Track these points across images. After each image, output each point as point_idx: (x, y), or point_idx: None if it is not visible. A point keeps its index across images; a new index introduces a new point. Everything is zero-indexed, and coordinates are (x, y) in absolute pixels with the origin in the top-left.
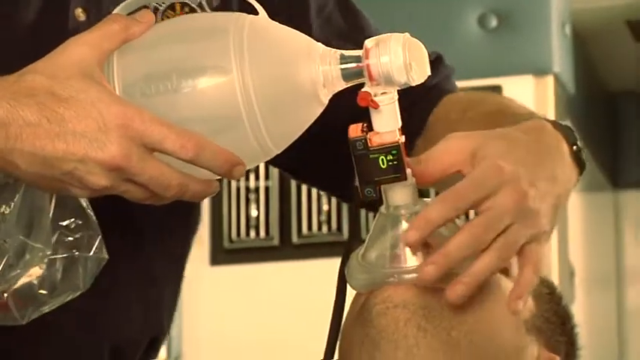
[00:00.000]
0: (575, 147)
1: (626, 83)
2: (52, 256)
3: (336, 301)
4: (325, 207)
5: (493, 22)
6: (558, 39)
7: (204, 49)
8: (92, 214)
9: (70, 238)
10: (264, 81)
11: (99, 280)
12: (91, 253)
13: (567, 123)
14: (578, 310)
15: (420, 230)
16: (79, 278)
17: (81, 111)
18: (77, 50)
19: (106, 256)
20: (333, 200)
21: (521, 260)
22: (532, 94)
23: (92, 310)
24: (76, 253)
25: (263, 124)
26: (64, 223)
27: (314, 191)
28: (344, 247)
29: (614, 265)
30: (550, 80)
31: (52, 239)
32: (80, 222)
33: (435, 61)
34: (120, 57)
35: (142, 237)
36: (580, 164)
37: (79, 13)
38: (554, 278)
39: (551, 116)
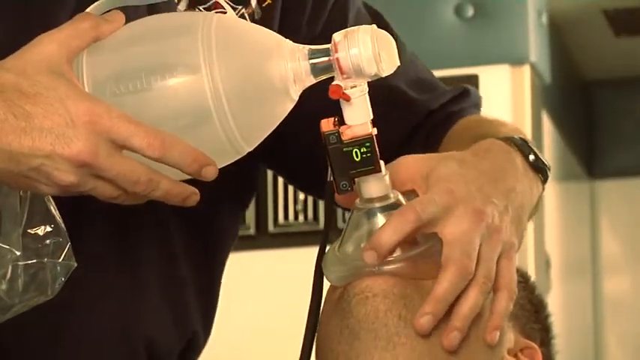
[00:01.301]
0: (531, 157)
1: (603, 73)
2: (21, 262)
3: (312, 295)
4: (301, 196)
5: (469, 12)
6: (535, 28)
7: (173, 46)
8: (61, 221)
9: (39, 245)
10: (233, 77)
11: (121, 283)
12: (60, 259)
13: (543, 112)
14: (555, 299)
15: (377, 252)
16: (47, 285)
17: (48, 107)
18: (46, 48)
19: (75, 264)
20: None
21: (495, 285)
22: (508, 83)
23: (120, 313)
24: (45, 260)
25: (233, 121)
26: (33, 230)
27: None
28: (320, 241)
29: (590, 255)
30: (526, 70)
31: (20, 243)
32: (49, 229)
33: (462, 94)
34: (89, 56)
35: (168, 238)
36: (542, 172)
37: None
38: (530, 267)
39: (528, 106)
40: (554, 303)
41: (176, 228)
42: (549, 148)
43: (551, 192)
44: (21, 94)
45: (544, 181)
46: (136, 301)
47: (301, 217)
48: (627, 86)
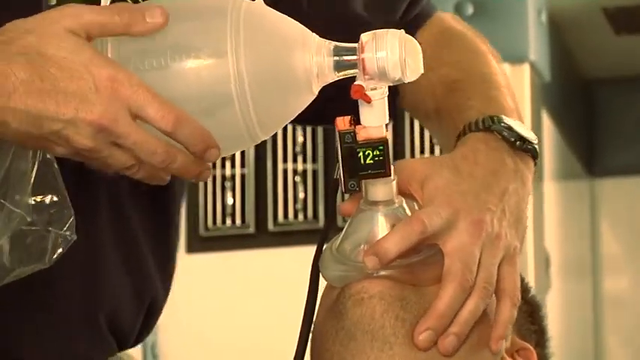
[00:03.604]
0: (518, 143)
1: (603, 71)
2: (25, 228)
3: (308, 293)
4: (301, 195)
5: (469, 10)
6: (534, 27)
7: (201, 28)
8: (66, 193)
9: (44, 213)
10: (258, 65)
11: (81, 248)
12: (63, 230)
13: (543, 111)
14: (554, 298)
15: (380, 258)
16: (46, 253)
17: (73, 71)
18: (68, 16)
19: (75, 237)
20: (310, 188)
21: (498, 292)
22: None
23: (80, 280)
24: (50, 228)
25: (253, 109)
26: (40, 198)
27: (290, 179)
28: (318, 239)
29: (590, 253)
30: (526, 68)
31: (30, 209)
32: (56, 199)
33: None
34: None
35: (119, 198)
36: (530, 150)
37: None
38: (530, 266)
39: (527, 104)
40: (554, 302)
41: (127, 192)
42: (549, 147)
43: (551, 190)
44: (46, 57)
45: (535, 156)
46: (95, 268)
47: (301, 216)
48: (627, 84)
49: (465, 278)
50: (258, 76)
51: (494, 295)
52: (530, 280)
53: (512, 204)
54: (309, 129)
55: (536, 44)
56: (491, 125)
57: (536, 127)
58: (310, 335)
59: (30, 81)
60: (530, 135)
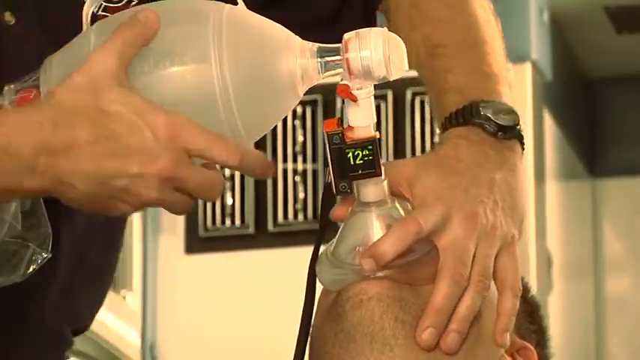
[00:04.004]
0: (499, 134)
1: (605, 70)
2: (8, 239)
3: (306, 299)
4: (301, 195)
5: None
6: (536, 26)
7: (184, 33)
8: (45, 213)
9: (23, 227)
10: (242, 70)
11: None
12: (40, 246)
13: (545, 110)
14: (556, 299)
15: (376, 260)
16: (21, 267)
17: (132, 124)
18: (108, 61)
19: (50, 255)
20: (310, 188)
21: (498, 284)
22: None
23: (57, 295)
24: (29, 243)
25: (238, 113)
26: (22, 209)
27: (290, 179)
28: (314, 243)
29: (592, 253)
30: (528, 67)
31: (19, 219)
32: (34, 216)
33: None
34: (98, 36)
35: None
36: (515, 138)
37: (8, 17)
38: (532, 266)
39: (529, 103)
40: (556, 302)
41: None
42: (551, 146)
43: (553, 190)
44: (103, 113)
45: (522, 141)
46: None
47: (301, 216)
48: (629, 83)
49: (458, 272)
50: (242, 81)
51: (495, 287)
52: (532, 281)
53: (504, 193)
54: (309, 128)
55: (538, 43)
56: (471, 119)
57: (538, 127)
58: (309, 339)
59: (95, 141)
60: (509, 120)
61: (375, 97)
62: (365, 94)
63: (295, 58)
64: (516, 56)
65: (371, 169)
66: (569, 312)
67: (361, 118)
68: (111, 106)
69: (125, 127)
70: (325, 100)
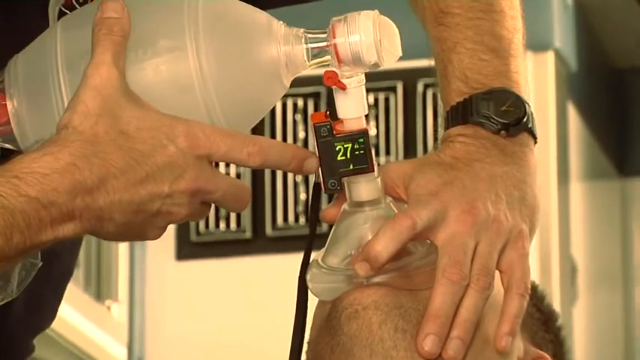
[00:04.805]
0: (501, 132)
1: (634, 59)
2: None
3: (297, 313)
4: (302, 196)
5: None
6: (559, 11)
7: (157, 21)
8: None
9: None
10: (221, 58)
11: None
12: (30, 259)
13: (569, 104)
14: (581, 311)
15: (371, 263)
16: (14, 284)
17: (154, 141)
18: (109, 76)
19: (41, 262)
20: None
21: (503, 282)
22: (531, 71)
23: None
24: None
25: (218, 105)
26: None
27: (290, 179)
28: (304, 250)
29: (621, 261)
30: (550, 56)
31: None
32: None
33: None
34: (64, 31)
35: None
36: (526, 131)
37: None
38: (555, 276)
39: (552, 96)
40: (581, 314)
41: None
42: (575, 143)
43: (579, 192)
44: (125, 135)
45: (532, 133)
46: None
47: (302, 219)
48: None
49: (455, 271)
50: (221, 70)
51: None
52: (556, 291)
53: (509, 186)
54: (310, 124)
55: (561, 30)
56: (470, 118)
57: (561, 122)
58: (305, 355)
59: (128, 167)
60: (513, 114)
61: (384, 89)
62: (355, 82)
63: (279, 45)
64: (537, 44)
65: (363, 165)
66: (596, 325)
67: (351, 109)
68: (130, 126)
69: (149, 146)
70: (329, 92)
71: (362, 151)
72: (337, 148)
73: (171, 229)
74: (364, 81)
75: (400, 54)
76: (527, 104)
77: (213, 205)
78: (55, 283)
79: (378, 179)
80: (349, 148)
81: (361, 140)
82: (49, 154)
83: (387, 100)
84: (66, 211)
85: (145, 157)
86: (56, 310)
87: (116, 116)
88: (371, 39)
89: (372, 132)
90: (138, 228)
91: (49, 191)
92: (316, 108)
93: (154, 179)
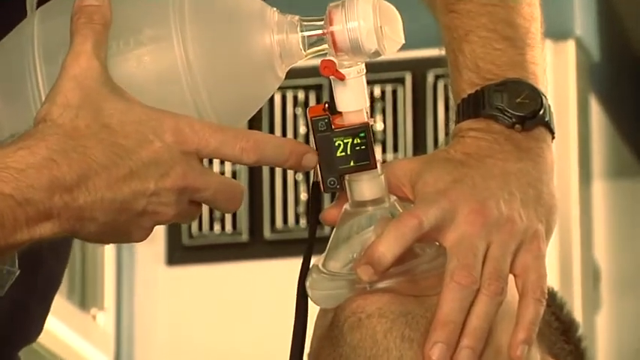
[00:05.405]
0: (516, 126)
1: None
2: None
3: (296, 322)
4: (303, 196)
5: None
6: None
7: (140, 7)
8: None
9: None
10: (209, 48)
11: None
12: (7, 265)
13: (591, 95)
14: (605, 319)
15: (374, 266)
16: None
17: (139, 135)
18: (90, 66)
19: (17, 270)
20: (310, 189)
21: (519, 286)
22: (549, 61)
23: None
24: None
25: (207, 98)
26: None
27: (290, 178)
28: (304, 255)
29: None
30: (571, 45)
31: None
32: None
33: None
34: (41, 22)
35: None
36: (543, 125)
37: None
38: (576, 281)
39: (572, 88)
40: (604, 322)
41: None
42: (598, 139)
43: (601, 191)
44: (107, 129)
45: (550, 127)
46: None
47: (303, 221)
48: None
49: (464, 275)
50: (209, 61)
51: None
52: (577, 298)
53: (524, 184)
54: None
55: (582, 17)
56: (481, 111)
57: (583, 115)
58: None
59: (111, 163)
60: (529, 107)
61: (391, 80)
62: (355, 72)
63: (272, 34)
64: (557, 32)
65: (364, 161)
66: (621, 333)
67: (351, 101)
68: (113, 119)
69: (133, 141)
70: (332, 85)
71: (363, 147)
72: (336, 144)
73: (161, 231)
74: (364, 71)
75: (403, 41)
76: (545, 97)
77: (207, 207)
78: (42, 293)
79: (382, 177)
80: (349, 144)
81: (362, 135)
82: (24, 147)
83: (394, 92)
84: (43, 209)
85: (129, 153)
86: (43, 322)
87: (98, 109)
88: (371, 25)
89: (379, 127)
90: (122, 228)
91: (24, 188)
92: (318, 101)
93: (139, 176)
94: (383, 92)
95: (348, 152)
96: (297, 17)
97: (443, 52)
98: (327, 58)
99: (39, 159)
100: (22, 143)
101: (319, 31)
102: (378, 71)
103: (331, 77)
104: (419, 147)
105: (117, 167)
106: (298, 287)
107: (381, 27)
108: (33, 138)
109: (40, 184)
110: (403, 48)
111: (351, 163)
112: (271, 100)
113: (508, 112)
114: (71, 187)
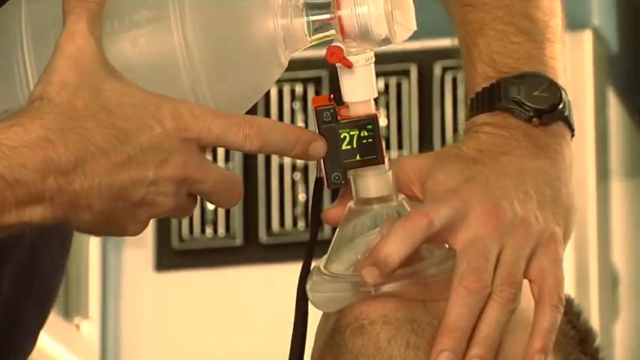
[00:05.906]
0: (533, 120)
1: None
2: None
3: (295, 327)
4: (301, 197)
5: None
6: None
7: None
8: None
9: None
10: (208, 32)
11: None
12: None
13: (609, 88)
14: (624, 327)
15: (380, 268)
16: None
17: (138, 119)
18: (87, 46)
19: None
20: (311, 189)
21: (535, 292)
22: (567, 52)
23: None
24: None
25: (206, 84)
26: None
27: (287, 178)
28: (305, 256)
29: None
30: (588, 36)
31: None
32: None
33: None
34: (29, 3)
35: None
36: (562, 120)
37: None
38: (593, 287)
39: (590, 81)
40: (623, 329)
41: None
42: (617, 135)
43: (620, 191)
44: (106, 110)
45: (569, 123)
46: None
47: (301, 224)
48: None
49: (473, 279)
50: (209, 45)
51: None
52: (594, 305)
53: (540, 183)
54: (311, 110)
55: (600, 7)
56: (497, 104)
57: (600, 109)
58: None
59: (110, 147)
60: (547, 100)
61: (396, 72)
62: (363, 60)
63: (275, 18)
64: (573, 22)
65: (371, 155)
66: None
67: (358, 91)
68: (112, 101)
69: (133, 125)
70: (332, 77)
71: (370, 140)
72: (342, 136)
73: (149, 234)
74: (373, 59)
75: (415, 28)
76: (564, 91)
77: (198, 208)
78: (37, 302)
79: (389, 173)
80: (355, 136)
81: (369, 127)
82: (18, 124)
83: (399, 85)
84: (34, 191)
85: (128, 137)
86: (37, 333)
87: (96, 89)
88: (381, 10)
89: (383, 122)
90: (117, 219)
91: (15, 167)
92: (317, 95)
93: (137, 162)
94: (387, 85)
95: (354, 145)
96: (302, 0)
97: (452, 43)
98: (335, 44)
99: (34, 137)
100: (15, 120)
101: (326, 16)
102: (381, 62)
103: (338, 65)
104: (425, 144)
105: (116, 152)
106: (298, 289)
107: (392, 12)
108: (28, 115)
109: (33, 164)
110: (408, 38)
111: (357, 157)
112: (267, 93)
113: (525, 104)
114: (67, 170)
